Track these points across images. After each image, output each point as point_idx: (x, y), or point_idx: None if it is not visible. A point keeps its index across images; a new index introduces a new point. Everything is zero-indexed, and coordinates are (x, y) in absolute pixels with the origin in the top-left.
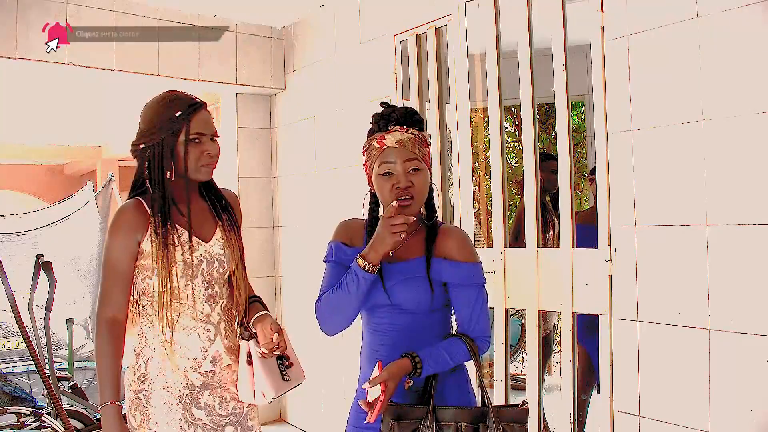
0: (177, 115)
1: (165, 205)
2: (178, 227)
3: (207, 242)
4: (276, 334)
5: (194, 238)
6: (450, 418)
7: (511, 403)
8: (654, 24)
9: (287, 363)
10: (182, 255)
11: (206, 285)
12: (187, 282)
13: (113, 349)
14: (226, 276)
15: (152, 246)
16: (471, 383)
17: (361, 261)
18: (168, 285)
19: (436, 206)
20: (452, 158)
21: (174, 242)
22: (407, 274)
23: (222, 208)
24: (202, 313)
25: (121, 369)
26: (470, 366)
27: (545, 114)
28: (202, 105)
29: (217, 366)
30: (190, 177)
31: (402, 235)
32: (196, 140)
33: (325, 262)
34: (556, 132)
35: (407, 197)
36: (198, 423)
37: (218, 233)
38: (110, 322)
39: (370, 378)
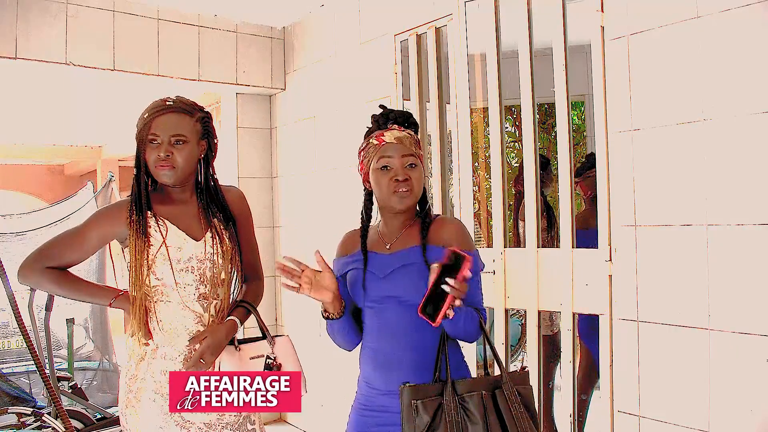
0: (145, 116)
1: (140, 200)
2: (162, 222)
3: (197, 241)
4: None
5: (183, 236)
6: (470, 389)
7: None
8: (654, 24)
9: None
10: (165, 249)
11: (198, 284)
12: (177, 280)
13: (68, 281)
14: (221, 277)
15: (129, 238)
16: (465, 360)
17: (323, 312)
18: (140, 276)
19: (431, 203)
20: (452, 158)
21: (150, 234)
22: (404, 261)
23: (217, 207)
24: (194, 312)
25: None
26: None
27: (545, 114)
28: (169, 109)
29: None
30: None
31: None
32: (153, 141)
33: None
34: (556, 132)
35: (406, 189)
36: (190, 426)
37: (210, 233)
38: (45, 272)
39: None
